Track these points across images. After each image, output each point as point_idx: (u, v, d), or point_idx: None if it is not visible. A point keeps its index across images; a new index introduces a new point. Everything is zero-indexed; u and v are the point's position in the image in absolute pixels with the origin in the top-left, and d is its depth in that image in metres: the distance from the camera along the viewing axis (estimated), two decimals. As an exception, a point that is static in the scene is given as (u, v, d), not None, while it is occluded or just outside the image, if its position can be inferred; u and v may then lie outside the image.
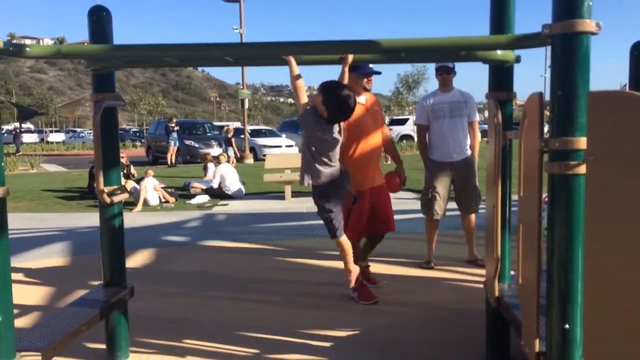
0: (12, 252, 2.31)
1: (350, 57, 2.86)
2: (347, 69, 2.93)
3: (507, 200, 3.00)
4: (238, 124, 32.26)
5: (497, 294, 2.93)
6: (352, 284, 3.46)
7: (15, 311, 2.30)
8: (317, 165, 2.97)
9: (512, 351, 3.06)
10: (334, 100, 2.85)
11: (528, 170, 2.28)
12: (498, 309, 2.94)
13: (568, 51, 1.97)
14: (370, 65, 4.10)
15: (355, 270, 3.30)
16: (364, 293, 4.19)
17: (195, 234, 7.18)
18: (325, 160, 2.98)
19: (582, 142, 1.92)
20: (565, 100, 1.97)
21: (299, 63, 2.93)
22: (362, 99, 4.12)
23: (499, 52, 2.77)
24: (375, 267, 5.13)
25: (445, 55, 3.30)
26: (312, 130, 2.93)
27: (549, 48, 2.08)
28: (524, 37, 2.35)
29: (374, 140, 4.19)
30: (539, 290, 2.15)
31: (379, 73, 4.24)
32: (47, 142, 44.83)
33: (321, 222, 3.22)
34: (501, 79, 2.99)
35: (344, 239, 3.20)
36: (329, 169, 3.01)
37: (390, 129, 22.69)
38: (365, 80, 4.14)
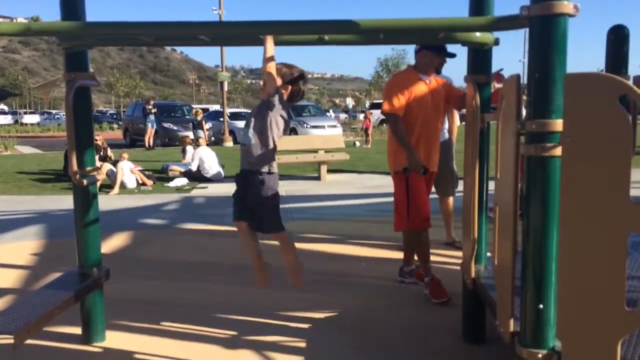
0: (-18, 234, 2.26)
1: (270, 38, 2.67)
2: (268, 46, 2.68)
3: (484, 182, 3.02)
4: (217, 107, 31.97)
5: (473, 275, 2.96)
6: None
7: (-14, 294, 2.26)
8: (274, 150, 2.78)
9: (487, 332, 3.11)
10: (293, 81, 2.78)
11: (505, 152, 2.29)
12: (474, 290, 2.98)
13: (545, 33, 1.96)
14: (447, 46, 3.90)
15: None
16: (436, 290, 3.85)
17: (174, 217, 7.12)
18: (276, 145, 2.80)
19: (558, 124, 1.92)
20: (542, 82, 1.97)
21: (276, 43, 2.88)
22: (427, 79, 3.92)
23: (477, 34, 2.76)
24: (354, 250, 5.16)
25: (424, 37, 3.28)
26: (281, 112, 2.75)
27: (528, 33, 2.07)
28: (502, 19, 2.34)
29: (434, 121, 3.96)
30: (514, 271, 2.17)
31: (454, 55, 4.08)
32: (22, 124, 43.89)
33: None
34: (480, 61, 2.99)
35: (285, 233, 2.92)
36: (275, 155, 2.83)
37: (370, 113, 22.87)
38: (438, 61, 3.91)
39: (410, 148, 3.77)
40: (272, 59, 2.68)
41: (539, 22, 1.98)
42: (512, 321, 2.17)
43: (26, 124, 43.61)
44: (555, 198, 1.96)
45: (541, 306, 2.00)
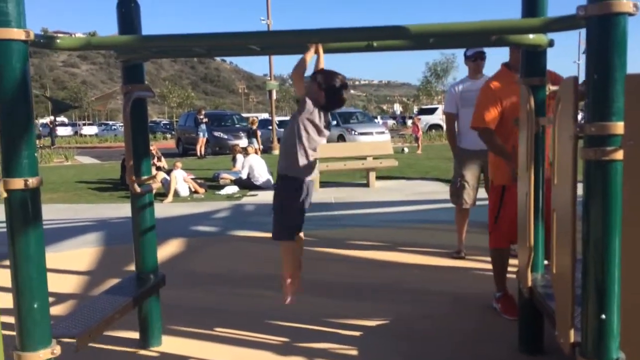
0: (47, 242, 2.36)
1: (313, 47, 2.80)
2: (307, 54, 2.82)
3: (539, 188, 2.94)
4: (266, 115, 32.39)
5: (529, 284, 2.88)
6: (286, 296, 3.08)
7: (50, 299, 2.35)
8: (299, 153, 2.83)
9: (545, 342, 3.01)
10: (330, 87, 2.82)
11: (562, 156, 2.22)
12: (531, 299, 2.89)
13: (604, 33, 1.90)
14: None
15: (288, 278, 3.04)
16: (508, 307, 3.62)
17: (225, 225, 7.24)
18: (310, 151, 2.85)
19: (619, 127, 1.85)
20: (601, 84, 1.91)
21: (325, 51, 2.91)
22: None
23: (531, 36, 2.70)
24: (405, 257, 5.11)
25: (476, 41, 3.22)
26: (308, 117, 2.82)
27: (582, 33, 2.01)
28: (558, 20, 2.28)
29: None
30: (574, 279, 2.10)
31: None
32: (81, 135, 45.83)
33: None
34: (534, 64, 2.91)
35: (286, 244, 3.04)
36: (308, 162, 2.87)
37: (419, 119, 22.62)
38: None
39: (510, 159, 3.39)
40: (302, 63, 2.80)
41: (596, 22, 1.92)
42: (572, 332, 2.10)
43: (85, 135, 45.48)
44: (617, 203, 1.88)
45: (604, 316, 1.93)
